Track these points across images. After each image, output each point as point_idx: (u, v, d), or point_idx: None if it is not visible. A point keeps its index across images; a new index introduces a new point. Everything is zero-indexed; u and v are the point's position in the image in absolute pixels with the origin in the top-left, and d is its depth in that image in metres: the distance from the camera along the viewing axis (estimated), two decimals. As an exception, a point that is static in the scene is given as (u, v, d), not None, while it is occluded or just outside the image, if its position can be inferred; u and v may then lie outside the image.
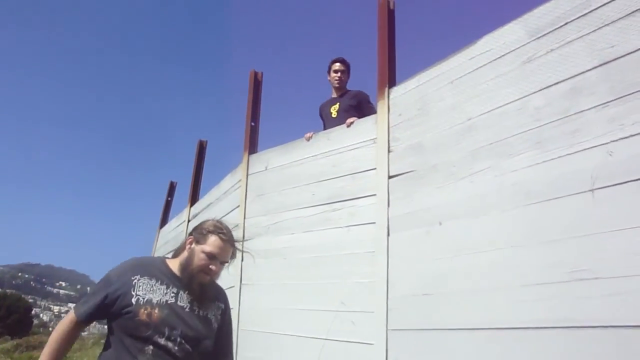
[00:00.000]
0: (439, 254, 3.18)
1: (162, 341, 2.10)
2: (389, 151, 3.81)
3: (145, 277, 2.21)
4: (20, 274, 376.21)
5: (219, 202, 6.64)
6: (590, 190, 2.49)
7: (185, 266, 2.27)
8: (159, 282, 2.22)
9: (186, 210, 8.19)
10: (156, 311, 2.13)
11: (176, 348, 2.12)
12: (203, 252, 2.24)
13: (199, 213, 7.53)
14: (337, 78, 5.09)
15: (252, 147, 5.82)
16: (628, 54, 2.50)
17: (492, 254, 2.87)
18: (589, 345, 2.33)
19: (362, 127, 4.24)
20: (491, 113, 3.11)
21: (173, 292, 2.23)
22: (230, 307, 2.57)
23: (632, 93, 2.44)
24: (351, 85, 5.27)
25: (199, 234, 2.32)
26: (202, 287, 2.27)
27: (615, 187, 2.41)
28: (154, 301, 2.16)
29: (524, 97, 2.94)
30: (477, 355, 2.82)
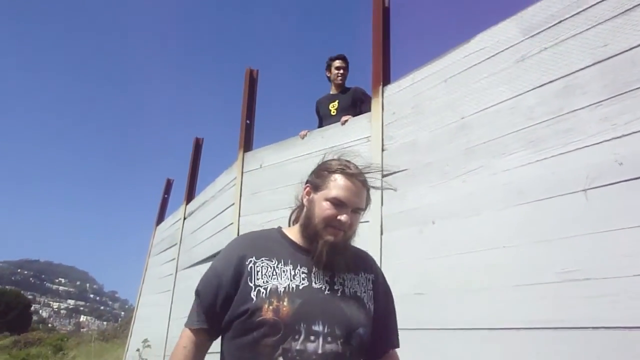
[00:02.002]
0: (432, 253, 3.16)
1: (297, 345, 1.46)
2: (382, 149, 3.79)
3: (263, 259, 1.60)
4: (19, 270, 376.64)
5: (214, 200, 6.62)
6: (583, 190, 2.47)
7: (306, 226, 1.65)
8: (282, 262, 1.59)
9: (182, 208, 8.17)
10: (285, 303, 1.49)
11: (319, 352, 1.46)
12: (326, 199, 1.61)
13: (194, 210, 7.51)
14: (339, 75, 5.06)
15: (247, 145, 5.81)
16: (621, 52, 2.48)
17: (485, 253, 2.84)
18: (579, 347, 2.31)
19: (356, 125, 4.23)
20: (484, 112, 3.09)
21: (304, 272, 1.59)
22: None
23: (626, 92, 2.42)
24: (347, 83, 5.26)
25: (316, 177, 1.70)
26: (336, 252, 1.59)
27: (608, 187, 2.39)
28: (280, 290, 1.52)
29: (518, 95, 2.92)
30: (468, 355, 2.80)
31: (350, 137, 4.21)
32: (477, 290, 2.84)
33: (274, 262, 1.59)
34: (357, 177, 1.63)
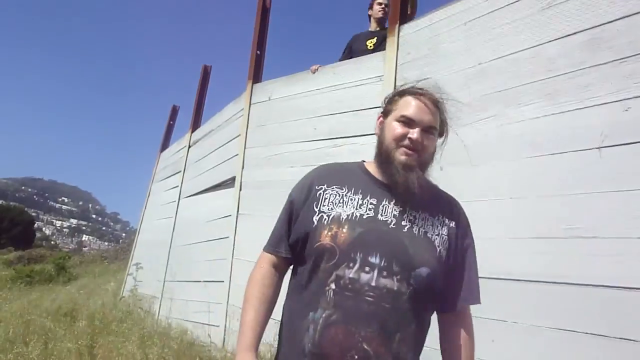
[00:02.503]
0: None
1: (351, 273, 1.42)
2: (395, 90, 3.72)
3: (334, 187, 1.57)
4: (23, 187, 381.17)
5: (221, 130, 6.58)
6: (597, 148, 2.43)
7: (380, 153, 1.60)
8: (352, 191, 1.56)
9: (187, 136, 8.14)
10: (344, 230, 1.46)
11: (373, 284, 1.41)
12: (395, 119, 1.56)
13: (199, 139, 7.49)
14: (381, 10, 4.89)
15: (257, 77, 5.72)
16: (653, 7, 2.37)
17: (491, 203, 2.83)
18: (578, 303, 2.34)
19: (370, 64, 4.13)
20: (503, 59, 3.00)
21: (372, 203, 1.53)
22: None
23: (653, 49, 2.33)
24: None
25: (387, 104, 1.65)
26: (409, 172, 1.50)
27: (622, 146, 2.35)
28: (343, 217, 1.49)
29: (539, 45, 2.82)
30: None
31: (363, 75, 4.13)
32: (481, 239, 2.85)
33: (343, 191, 1.56)
34: (427, 96, 1.57)
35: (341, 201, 1.53)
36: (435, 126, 1.56)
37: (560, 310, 2.39)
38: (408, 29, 3.83)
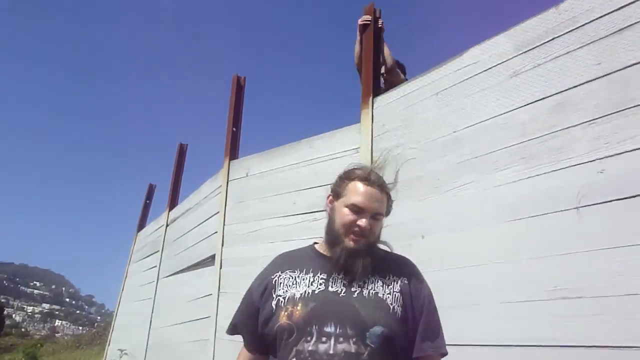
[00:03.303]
0: (421, 267, 3.12)
1: (309, 346, 1.48)
2: (372, 162, 3.76)
3: (287, 271, 1.69)
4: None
5: (199, 207, 6.54)
6: (575, 208, 2.47)
7: (329, 233, 1.71)
8: (304, 272, 1.67)
9: (165, 214, 8.07)
10: (298, 308, 1.55)
11: (331, 352, 1.46)
12: (345, 205, 1.66)
13: (177, 217, 7.42)
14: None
15: (233, 153, 5.75)
16: (615, 71, 2.48)
17: (475, 269, 2.83)
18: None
19: (345, 136, 4.20)
20: (476, 126, 3.08)
21: (322, 278, 1.63)
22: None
23: (619, 111, 2.41)
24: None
25: (336, 186, 1.76)
26: (356, 257, 1.62)
27: (600, 205, 2.39)
28: (297, 296, 1.59)
29: (510, 111, 2.91)
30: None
31: (339, 148, 4.18)
32: (466, 306, 2.82)
33: (295, 273, 1.68)
34: (375, 183, 1.69)
35: (294, 283, 1.64)
36: (382, 212, 1.72)
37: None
38: (381, 100, 3.93)
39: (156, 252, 7.90)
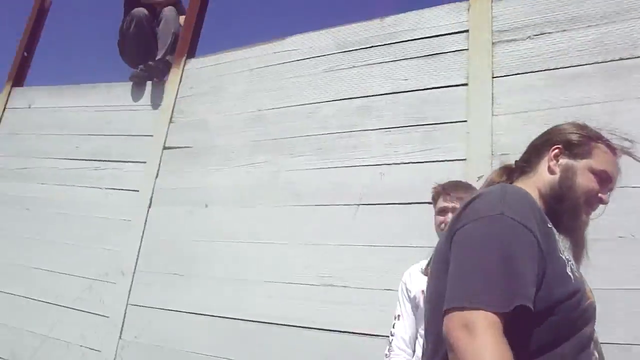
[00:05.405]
0: (199, 236, 3.10)
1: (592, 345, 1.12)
2: (170, 121, 3.62)
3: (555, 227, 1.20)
4: None
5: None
6: (356, 205, 2.64)
7: (560, 197, 1.27)
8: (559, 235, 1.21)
9: None
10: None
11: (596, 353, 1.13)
12: (592, 170, 1.28)
13: None
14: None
15: (18, 80, 5.10)
16: (418, 90, 2.72)
17: (253, 245, 2.87)
18: (314, 347, 2.48)
19: (150, 90, 3.98)
20: (283, 110, 3.13)
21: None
22: None
23: (414, 125, 2.65)
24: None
25: (572, 140, 1.33)
26: (581, 231, 1.27)
27: (375, 206, 2.60)
28: (576, 270, 1.15)
29: (317, 103, 3.02)
30: (208, 343, 2.81)
31: (141, 102, 3.94)
32: (232, 280, 2.86)
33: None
34: (619, 154, 1.34)
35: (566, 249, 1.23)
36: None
37: (312, 354, 2.49)
38: (193, 64, 3.78)
39: None
